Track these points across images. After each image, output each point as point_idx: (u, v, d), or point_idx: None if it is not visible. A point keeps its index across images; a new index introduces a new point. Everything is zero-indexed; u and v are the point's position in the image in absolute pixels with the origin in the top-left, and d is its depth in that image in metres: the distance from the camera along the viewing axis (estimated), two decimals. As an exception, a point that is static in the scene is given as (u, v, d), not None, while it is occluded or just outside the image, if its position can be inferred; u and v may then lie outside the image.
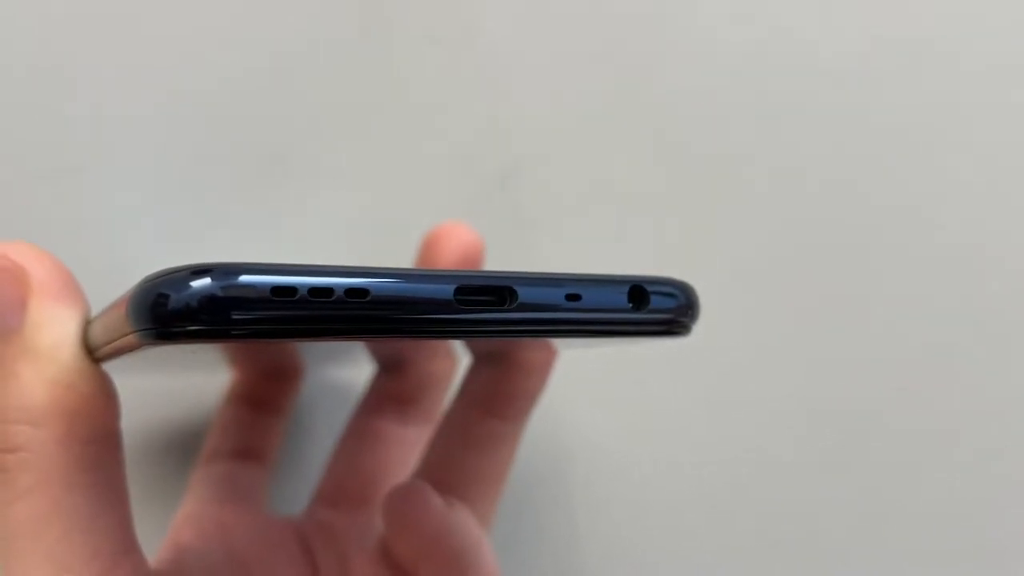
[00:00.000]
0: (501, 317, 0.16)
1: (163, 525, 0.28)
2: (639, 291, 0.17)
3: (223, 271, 0.15)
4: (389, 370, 0.30)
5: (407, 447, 0.29)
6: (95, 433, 0.20)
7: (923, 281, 0.37)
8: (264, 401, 0.31)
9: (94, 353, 0.19)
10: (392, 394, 0.29)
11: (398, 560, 0.25)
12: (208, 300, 0.14)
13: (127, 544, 0.21)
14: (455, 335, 0.16)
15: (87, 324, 0.20)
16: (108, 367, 0.20)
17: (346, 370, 0.33)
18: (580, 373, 0.33)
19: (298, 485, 0.31)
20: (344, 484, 0.29)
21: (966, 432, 0.37)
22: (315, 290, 0.15)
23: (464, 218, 0.29)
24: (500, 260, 0.32)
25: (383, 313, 0.15)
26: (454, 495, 0.25)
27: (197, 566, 0.25)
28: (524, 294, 0.16)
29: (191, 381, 0.31)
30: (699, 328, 0.33)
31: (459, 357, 0.29)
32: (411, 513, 0.23)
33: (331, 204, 0.34)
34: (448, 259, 0.27)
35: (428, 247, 0.27)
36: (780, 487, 0.36)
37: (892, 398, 0.37)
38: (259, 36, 0.33)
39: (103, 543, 0.20)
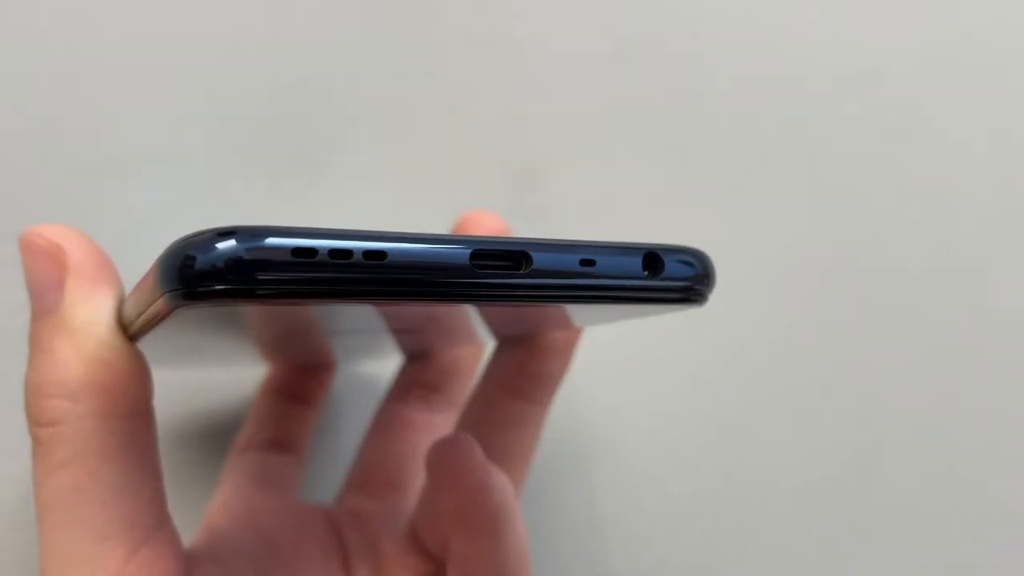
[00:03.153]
0: (516, 282, 0.17)
1: (199, 512, 0.29)
2: (654, 258, 0.18)
3: (248, 233, 0.15)
4: (415, 359, 0.30)
5: (434, 433, 0.29)
6: (129, 408, 0.20)
7: (940, 277, 0.38)
8: (297, 393, 0.31)
9: (128, 331, 0.20)
10: (418, 382, 0.30)
11: (426, 542, 0.26)
12: (233, 261, 0.15)
13: (161, 517, 0.22)
14: (471, 299, 0.16)
15: (121, 303, 0.21)
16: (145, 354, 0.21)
17: (374, 362, 0.33)
18: (603, 360, 0.33)
19: (329, 474, 0.32)
20: (373, 471, 0.29)
21: (977, 424, 0.37)
22: (335, 252, 0.15)
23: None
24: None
25: (400, 276, 0.16)
26: None
27: (229, 548, 0.26)
28: (539, 259, 0.17)
29: (226, 374, 0.32)
30: (724, 319, 0.33)
31: (484, 344, 0.29)
32: (457, 462, 0.23)
33: (362, 201, 0.34)
34: None
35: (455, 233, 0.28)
36: (800, 476, 0.36)
37: (917, 389, 0.37)
38: (297, 36, 0.34)
39: (139, 514, 0.21)
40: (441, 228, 0.29)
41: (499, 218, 0.28)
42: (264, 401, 0.31)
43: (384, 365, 0.32)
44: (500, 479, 0.23)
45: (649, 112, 0.37)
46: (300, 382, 0.31)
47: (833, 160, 0.38)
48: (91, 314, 0.20)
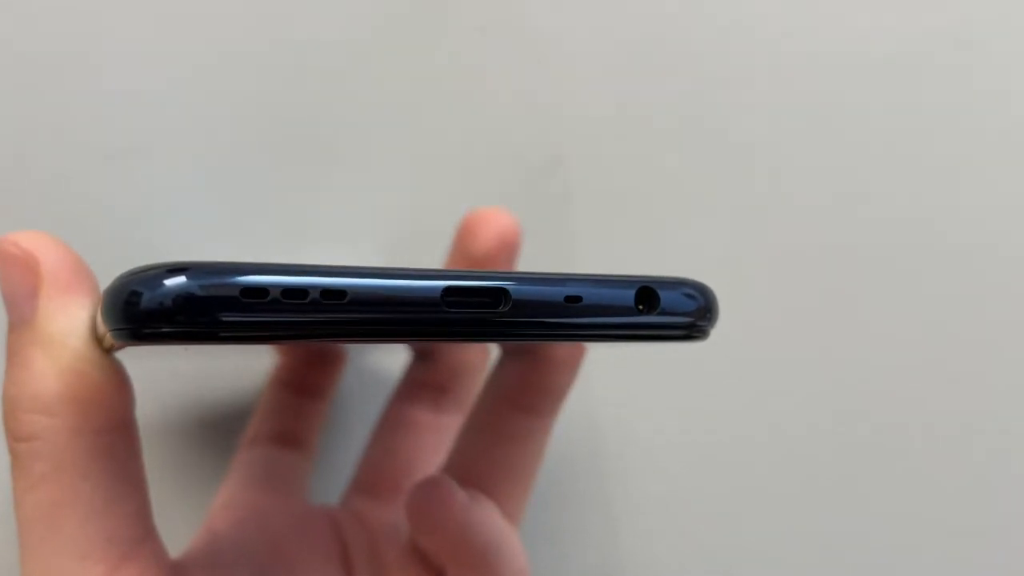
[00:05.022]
0: (493, 320, 0.15)
1: (201, 506, 0.28)
2: (648, 292, 0.16)
3: (200, 270, 0.14)
4: (423, 359, 0.29)
5: (441, 435, 0.28)
6: (108, 421, 0.20)
7: (945, 282, 0.36)
8: (306, 385, 0.30)
9: (103, 342, 0.19)
10: (426, 382, 0.29)
11: (427, 552, 0.25)
12: (184, 299, 0.14)
13: (144, 531, 0.21)
14: (442, 338, 0.15)
15: (98, 312, 0.20)
16: (137, 350, 0.20)
17: (384, 357, 0.32)
18: (615, 368, 0.32)
19: (336, 474, 0.31)
20: (378, 472, 0.28)
21: (982, 432, 0.36)
22: (288, 291, 0.14)
23: (511, 206, 0.28)
24: (544, 248, 0.31)
25: (362, 315, 0.14)
26: (482, 490, 0.24)
27: (230, 552, 0.25)
28: (519, 295, 0.15)
29: (229, 364, 0.31)
30: (741, 323, 0.31)
31: (493, 347, 0.28)
32: (434, 509, 0.22)
33: (379, 192, 0.33)
34: (484, 245, 0.26)
35: (463, 233, 0.27)
36: (812, 481, 0.36)
37: (925, 396, 0.36)
38: (312, 24, 0.32)
39: (119, 530, 0.20)
40: (457, 217, 0.28)
41: (510, 215, 0.26)
42: (272, 393, 0.30)
43: (394, 360, 0.31)
44: (485, 514, 0.22)
45: (672, 101, 0.35)
46: (309, 374, 0.30)
47: (854, 162, 0.36)
48: (66, 325, 0.19)
